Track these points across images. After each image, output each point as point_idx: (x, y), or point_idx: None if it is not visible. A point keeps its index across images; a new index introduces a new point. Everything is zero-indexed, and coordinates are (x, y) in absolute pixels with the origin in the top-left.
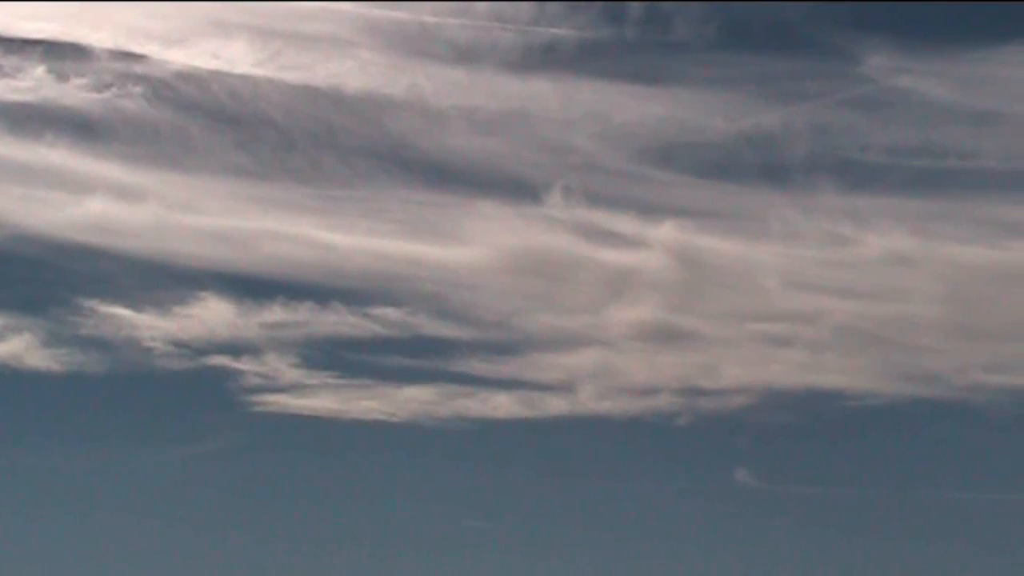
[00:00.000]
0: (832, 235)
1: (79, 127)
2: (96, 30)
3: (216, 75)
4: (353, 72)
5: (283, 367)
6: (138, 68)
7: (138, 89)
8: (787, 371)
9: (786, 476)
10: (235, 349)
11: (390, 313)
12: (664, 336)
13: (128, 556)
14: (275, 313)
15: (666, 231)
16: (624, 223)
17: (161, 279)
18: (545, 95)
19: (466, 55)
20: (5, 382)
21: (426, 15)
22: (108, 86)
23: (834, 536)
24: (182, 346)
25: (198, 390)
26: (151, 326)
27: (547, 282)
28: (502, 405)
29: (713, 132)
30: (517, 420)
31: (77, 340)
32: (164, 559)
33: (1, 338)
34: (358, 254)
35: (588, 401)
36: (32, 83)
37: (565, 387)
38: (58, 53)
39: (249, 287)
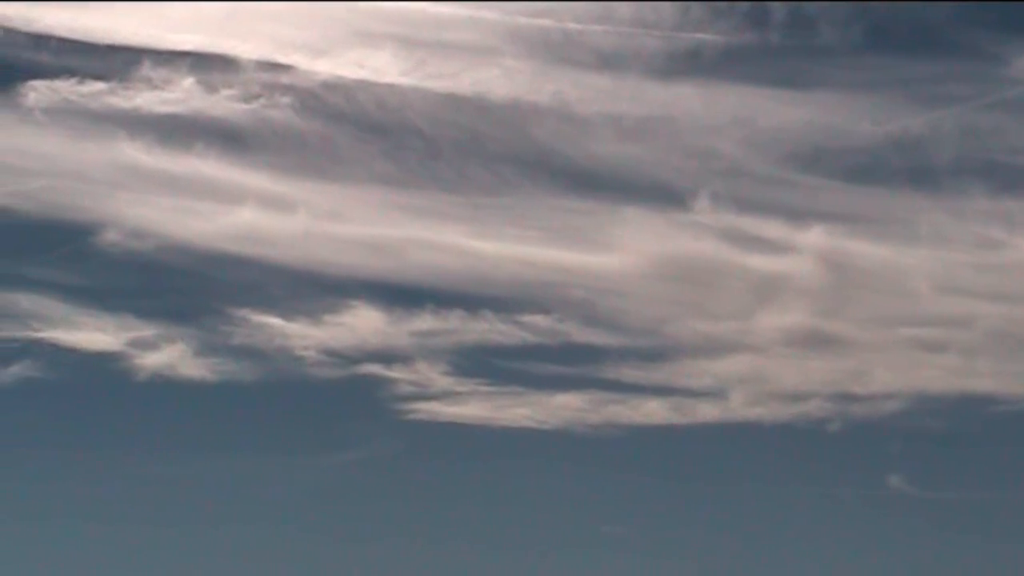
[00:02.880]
0: (982, 238)
1: (228, 137)
2: (243, 41)
3: (362, 84)
4: (498, 80)
5: (434, 375)
6: (285, 78)
7: (285, 99)
8: (939, 376)
9: (939, 482)
10: (386, 357)
11: (539, 320)
12: (814, 342)
13: (281, 564)
14: (425, 321)
15: (814, 236)
16: (772, 228)
17: (311, 288)
18: (690, 100)
19: (610, 61)
20: (159, 391)
21: (569, 22)
22: (256, 97)
23: (988, 542)
24: (333, 355)
25: (349, 398)
26: (302, 335)
27: (696, 288)
28: (653, 411)
29: (860, 136)
30: (668, 426)
31: (229, 349)
32: (316, 567)
33: (155, 348)
34: (506, 262)
35: (739, 407)
36: (181, 94)
37: (716, 393)
38: (206, 64)
39: (399, 295)
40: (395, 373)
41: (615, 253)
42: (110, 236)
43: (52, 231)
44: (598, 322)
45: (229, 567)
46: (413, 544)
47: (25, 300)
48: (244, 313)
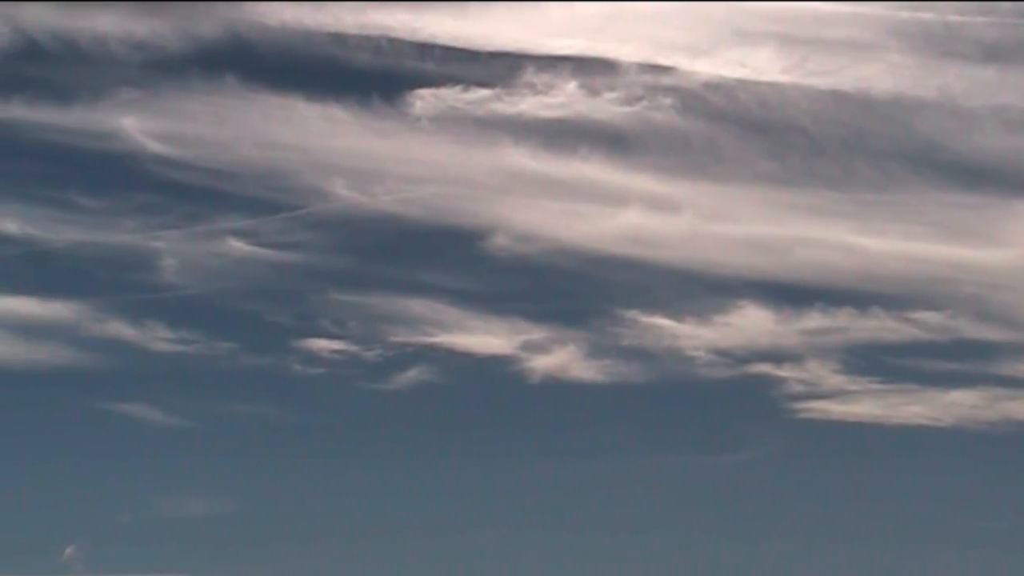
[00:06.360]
0: None
1: (611, 140)
2: (623, 44)
3: (743, 84)
4: (881, 75)
5: (825, 373)
6: (666, 80)
7: (667, 100)
8: None
9: None
10: (776, 356)
11: (930, 317)
12: None
13: (673, 565)
14: (814, 319)
15: None
16: None
17: (699, 288)
18: None
19: (995, 53)
20: (552, 394)
21: (952, 15)
22: (638, 99)
23: None
24: (723, 354)
25: (740, 398)
26: (692, 335)
27: None
28: None
29: None
30: None
31: (619, 351)
32: (708, 567)
33: (547, 351)
34: (894, 258)
35: None
36: (564, 99)
37: None
38: (588, 68)
39: (787, 294)
40: (785, 372)
41: (1005, 248)
42: (498, 240)
43: (441, 236)
44: (991, 318)
45: (624, 568)
46: (806, 542)
47: (417, 305)
48: (633, 315)
